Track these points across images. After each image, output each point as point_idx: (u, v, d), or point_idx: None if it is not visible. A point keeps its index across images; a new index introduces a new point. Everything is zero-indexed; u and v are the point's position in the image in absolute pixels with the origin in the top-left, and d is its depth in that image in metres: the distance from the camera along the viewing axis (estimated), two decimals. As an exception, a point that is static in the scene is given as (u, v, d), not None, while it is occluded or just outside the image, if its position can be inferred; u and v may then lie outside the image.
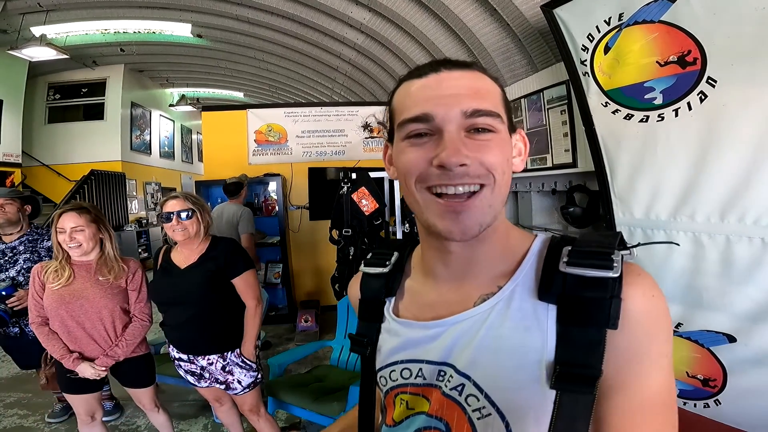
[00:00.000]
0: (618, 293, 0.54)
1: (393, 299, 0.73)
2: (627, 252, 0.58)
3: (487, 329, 0.60)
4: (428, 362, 0.64)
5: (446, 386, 0.62)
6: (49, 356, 2.21)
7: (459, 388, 0.60)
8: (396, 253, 0.76)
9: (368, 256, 0.79)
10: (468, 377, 0.60)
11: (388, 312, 0.72)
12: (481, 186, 0.58)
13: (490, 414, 0.58)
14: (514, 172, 0.64)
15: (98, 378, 2.07)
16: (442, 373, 0.62)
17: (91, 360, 2.06)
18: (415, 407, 0.66)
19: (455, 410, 0.61)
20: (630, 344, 0.54)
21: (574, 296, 0.56)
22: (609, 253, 0.56)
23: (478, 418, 0.59)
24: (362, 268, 0.78)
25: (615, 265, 0.55)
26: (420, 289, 0.71)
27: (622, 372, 0.54)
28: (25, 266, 2.62)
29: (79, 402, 2.13)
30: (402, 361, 0.67)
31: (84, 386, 2.09)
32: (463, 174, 0.56)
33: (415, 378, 0.65)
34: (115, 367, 2.13)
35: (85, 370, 2.02)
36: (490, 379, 0.58)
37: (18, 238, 2.68)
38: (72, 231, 2.01)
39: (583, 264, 0.56)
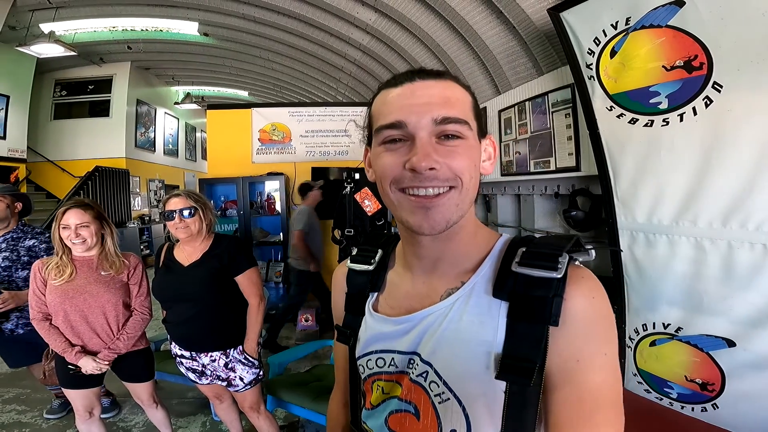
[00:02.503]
0: (561, 293, 0.59)
1: (376, 294, 0.79)
2: (585, 254, 0.63)
3: (448, 322, 0.65)
4: (399, 352, 0.70)
5: (413, 373, 0.68)
6: (49, 351, 2.20)
7: (423, 375, 0.67)
8: (380, 251, 0.81)
9: (354, 253, 0.84)
10: (430, 365, 0.66)
11: (368, 306, 0.78)
12: (450, 188, 0.62)
13: (449, 399, 0.65)
14: (485, 175, 0.70)
15: (99, 372, 2.08)
16: (412, 361, 0.69)
17: (93, 354, 2.07)
18: (390, 392, 0.72)
19: (421, 394, 0.68)
20: (570, 341, 0.59)
21: (522, 294, 0.61)
22: (556, 256, 0.60)
23: (439, 402, 0.66)
24: (348, 264, 0.83)
25: (560, 266, 0.59)
26: (398, 281, 0.77)
27: (564, 368, 0.58)
28: (2, 264, 2.54)
29: (77, 397, 2.13)
30: (377, 351, 0.74)
31: (83, 381, 2.09)
32: (433, 177, 0.61)
33: (389, 366, 0.72)
34: (115, 361, 2.14)
35: (87, 364, 2.03)
36: (448, 367, 0.64)
37: (2, 236, 2.61)
38: (77, 227, 2.02)
39: (531, 264, 0.61)
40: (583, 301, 0.59)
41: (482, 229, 0.72)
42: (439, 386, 0.65)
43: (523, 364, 0.58)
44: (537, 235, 0.71)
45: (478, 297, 0.65)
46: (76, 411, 2.17)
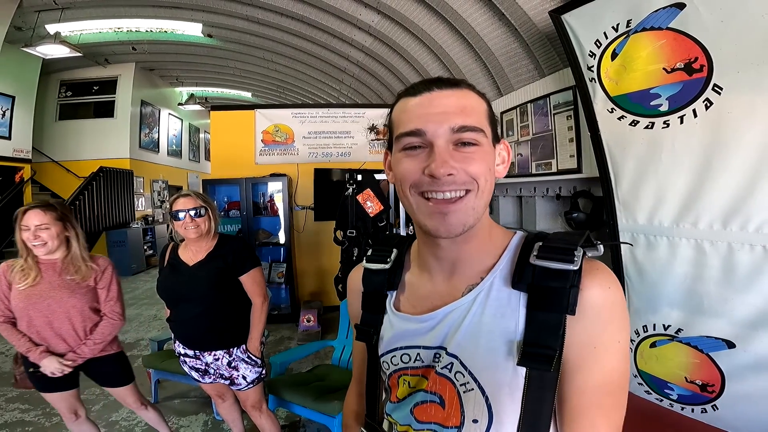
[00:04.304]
0: (577, 284, 0.62)
1: (394, 293, 0.81)
2: (595, 249, 0.66)
3: (471, 316, 0.68)
4: (425, 347, 0.72)
5: (439, 365, 0.71)
6: (18, 356, 2.14)
7: (449, 367, 0.69)
8: (395, 251, 0.83)
9: (369, 253, 0.86)
10: (456, 357, 0.69)
11: (389, 305, 0.80)
12: (467, 191, 0.65)
13: (473, 389, 0.67)
14: (498, 178, 0.73)
15: (61, 374, 1.99)
16: (437, 355, 0.71)
17: (61, 356, 2.00)
18: (417, 386, 0.74)
19: (447, 385, 0.70)
20: (586, 330, 0.62)
21: (540, 285, 0.64)
22: (572, 249, 0.64)
23: (464, 392, 0.68)
24: (364, 264, 0.85)
25: (575, 259, 0.63)
26: (417, 282, 0.79)
27: (581, 355, 0.62)
28: None
29: (57, 400, 2.09)
30: (402, 348, 0.75)
31: (57, 385, 2.04)
32: (451, 182, 0.64)
33: (414, 362, 0.74)
34: (89, 367, 2.08)
35: (50, 365, 1.95)
36: (472, 358, 0.67)
37: None
38: (36, 229, 1.94)
39: (549, 257, 0.65)
40: (599, 291, 0.62)
41: (496, 228, 0.75)
42: (464, 376, 0.67)
43: (544, 351, 0.61)
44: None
45: (498, 290, 0.68)
46: (61, 414, 2.15)
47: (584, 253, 0.64)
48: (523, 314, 0.65)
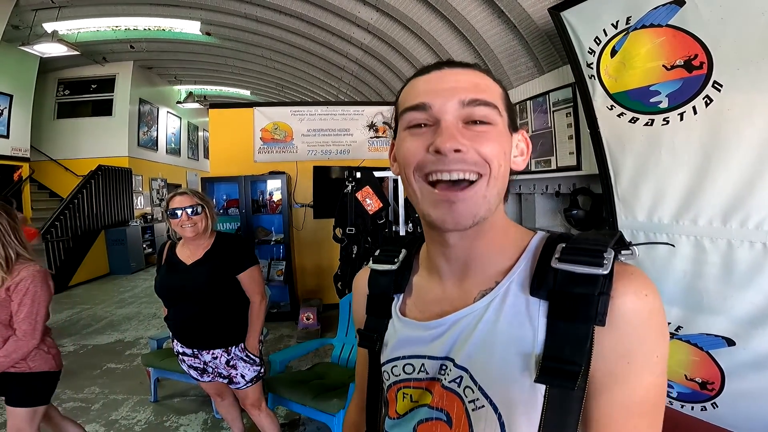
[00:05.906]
0: (607, 290, 0.54)
1: (401, 296, 0.74)
2: (628, 251, 0.58)
3: (483, 324, 0.61)
4: (430, 357, 0.65)
5: (446, 379, 0.63)
6: None
7: (457, 380, 0.62)
8: (404, 251, 0.76)
9: (376, 253, 0.80)
10: (465, 370, 0.61)
11: (395, 309, 0.73)
12: (479, 176, 0.58)
13: (483, 406, 0.59)
14: (515, 171, 0.65)
15: None
16: (444, 367, 0.63)
17: None
18: (419, 400, 0.67)
19: (455, 401, 0.62)
20: (619, 343, 0.54)
21: (563, 292, 0.56)
22: (601, 251, 0.56)
23: (473, 410, 0.60)
24: (371, 264, 0.79)
25: (605, 262, 0.54)
26: (426, 285, 0.71)
27: (612, 371, 0.54)
28: None
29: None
30: (405, 357, 0.68)
31: None
32: (459, 160, 0.57)
33: (418, 373, 0.67)
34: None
35: None
36: (484, 372, 0.59)
37: None
38: None
39: (573, 260, 0.56)
40: (635, 299, 0.54)
41: (514, 226, 0.67)
42: (474, 392, 0.60)
43: (566, 367, 0.53)
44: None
45: (514, 296, 0.60)
46: None
47: (615, 256, 0.56)
48: (543, 324, 0.57)
